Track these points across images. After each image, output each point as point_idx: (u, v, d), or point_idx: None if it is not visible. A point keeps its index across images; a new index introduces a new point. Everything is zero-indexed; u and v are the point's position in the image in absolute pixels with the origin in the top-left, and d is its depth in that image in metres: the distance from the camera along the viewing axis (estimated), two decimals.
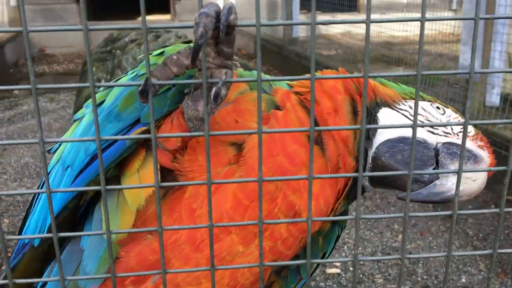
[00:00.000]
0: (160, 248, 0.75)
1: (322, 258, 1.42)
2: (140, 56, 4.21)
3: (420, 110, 1.24)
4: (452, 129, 1.23)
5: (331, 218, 0.87)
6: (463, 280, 4.16)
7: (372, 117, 1.22)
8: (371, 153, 1.19)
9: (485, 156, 1.21)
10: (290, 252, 1.24)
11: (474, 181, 1.14)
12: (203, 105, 0.94)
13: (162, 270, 0.79)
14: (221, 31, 0.76)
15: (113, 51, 6.43)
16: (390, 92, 1.27)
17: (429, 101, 1.31)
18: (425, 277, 4.18)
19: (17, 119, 7.62)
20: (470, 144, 1.20)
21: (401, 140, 1.17)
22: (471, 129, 1.24)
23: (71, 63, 11.05)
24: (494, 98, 5.16)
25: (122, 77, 1.31)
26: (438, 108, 1.28)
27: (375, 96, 1.25)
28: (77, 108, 6.81)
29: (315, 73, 0.78)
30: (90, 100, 1.04)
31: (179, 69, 0.87)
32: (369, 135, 1.20)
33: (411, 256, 0.84)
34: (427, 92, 6.91)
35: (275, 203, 1.15)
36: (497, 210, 0.84)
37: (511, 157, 0.79)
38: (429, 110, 1.27)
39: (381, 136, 1.19)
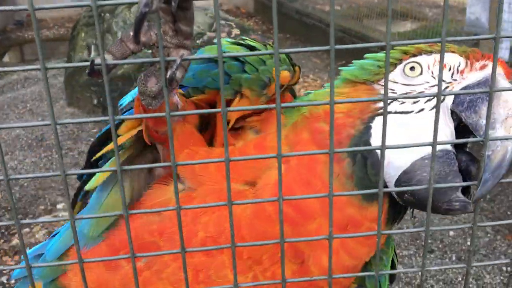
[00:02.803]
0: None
1: None
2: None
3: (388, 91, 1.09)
4: (453, 73, 1.09)
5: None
6: (469, 243, 4.20)
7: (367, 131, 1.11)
8: (391, 182, 1.08)
9: (498, 72, 1.06)
10: None
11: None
12: (153, 83, 0.92)
13: (181, 250, 0.80)
14: (173, 1, 0.73)
15: (102, 14, 6.33)
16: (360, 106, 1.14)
17: (400, 59, 1.13)
18: (429, 241, 4.21)
19: (7, 89, 7.58)
20: (472, 77, 1.07)
21: (416, 166, 1.04)
22: (459, 60, 1.10)
23: (62, 28, 10.91)
24: (503, 53, 5.07)
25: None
26: (412, 69, 1.12)
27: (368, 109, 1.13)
28: (68, 76, 6.77)
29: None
30: None
31: (136, 46, 0.85)
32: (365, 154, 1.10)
33: (436, 228, 0.83)
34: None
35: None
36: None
37: None
38: (398, 79, 1.12)
39: (386, 154, 1.03)
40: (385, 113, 0.80)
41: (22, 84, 7.71)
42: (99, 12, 6.14)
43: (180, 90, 1.14)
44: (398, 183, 1.06)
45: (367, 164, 1.09)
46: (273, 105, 0.70)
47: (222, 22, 5.81)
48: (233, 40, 1.18)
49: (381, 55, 1.18)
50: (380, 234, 0.86)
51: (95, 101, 6.46)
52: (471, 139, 0.81)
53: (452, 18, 9.13)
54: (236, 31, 5.74)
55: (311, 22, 9.61)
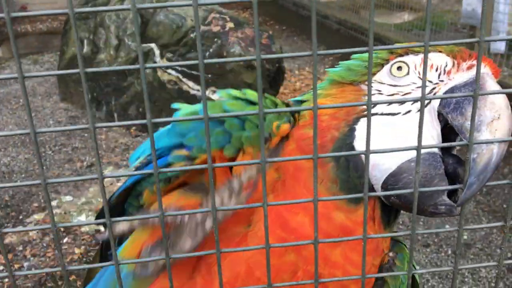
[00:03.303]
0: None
1: None
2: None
3: (374, 88, 1.11)
4: (439, 74, 1.08)
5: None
6: (465, 236, 4.21)
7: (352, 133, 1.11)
8: (377, 183, 1.07)
9: (485, 72, 1.04)
10: None
11: (499, 117, 0.96)
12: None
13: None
14: None
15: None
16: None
17: (387, 59, 1.12)
18: (425, 235, 4.22)
19: (0, 84, 7.56)
20: (459, 78, 1.06)
21: (403, 168, 1.04)
22: (446, 61, 1.08)
23: (55, 21, 10.84)
24: (499, 45, 5.07)
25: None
26: (399, 69, 1.10)
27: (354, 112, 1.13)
28: (60, 70, 6.74)
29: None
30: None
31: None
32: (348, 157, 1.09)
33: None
34: (431, 38, 6.74)
35: (296, 276, 1.13)
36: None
37: None
38: (385, 79, 1.11)
39: (372, 157, 1.03)
40: (368, 117, 0.80)
41: (15, 80, 7.67)
42: (91, 6, 6.11)
43: (184, 151, 1.12)
44: (384, 185, 1.05)
45: (349, 167, 1.09)
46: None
47: (216, 15, 5.78)
48: (233, 94, 1.15)
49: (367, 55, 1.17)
50: (366, 238, 0.86)
51: (89, 96, 6.43)
52: (455, 143, 0.80)
53: (449, 9, 9.11)
54: (230, 25, 5.72)
55: (307, 14, 9.58)
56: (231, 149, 1.10)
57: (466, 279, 3.77)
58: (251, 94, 1.13)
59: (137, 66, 0.74)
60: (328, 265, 1.13)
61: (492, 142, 0.94)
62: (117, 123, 0.74)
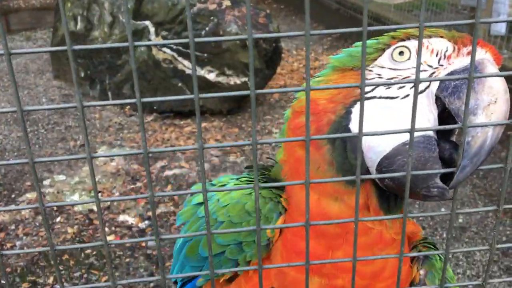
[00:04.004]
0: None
1: None
2: None
3: (375, 72, 1.11)
4: (440, 58, 1.08)
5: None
6: (460, 220, 4.25)
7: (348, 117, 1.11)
8: (372, 166, 1.08)
9: (486, 58, 1.03)
10: None
11: (495, 101, 0.96)
12: None
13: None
14: None
15: None
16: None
17: (388, 44, 1.12)
18: (421, 218, 4.25)
19: None
20: (458, 62, 1.05)
21: (397, 151, 1.04)
22: (447, 46, 1.08)
23: None
24: (499, 27, 5.04)
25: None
26: (401, 53, 1.10)
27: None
28: (54, 46, 6.68)
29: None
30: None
31: None
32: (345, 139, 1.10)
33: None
34: (431, 20, 6.74)
35: None
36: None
37: None
38: (386, 64, 1.11)
39: (368, 139, 1.06)
40: (362, 99, 0.79)
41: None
42: None
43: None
44: (379, 167, 1.05)
45: (346, 149, 1.09)
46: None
47: None
48: (215, 198, 1.29)
49: (369, 42, 1.16)
50: (357, 221, 0.87)
51: (82, 74, 6.40)
52: (449, 126, 0.80)
53: None
54: (227, 3, 5.67)
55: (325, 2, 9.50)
56: (243, 265, 1.23)
57: (460, 262, 3.81)
58: (233, 184, 1.31)
59: (126, 43, 0.73)
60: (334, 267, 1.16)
61: (486, 126, 0.94)
62: (105, 102, 0.74)
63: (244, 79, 5.77)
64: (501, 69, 1.07)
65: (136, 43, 0.73)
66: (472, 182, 4.72)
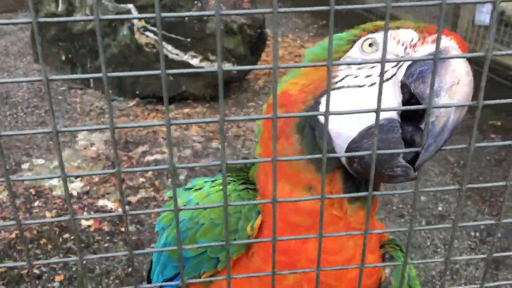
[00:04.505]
0: None
1: None
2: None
3: (343, 67, 1.15)
4: (406, 48, 1.11)
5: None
6: (440, 208, 4.31)
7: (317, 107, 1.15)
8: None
9: (450, 45, 1.07)
10: None
11: (458, 83, 0.99)
12: None
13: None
14: None
15: None
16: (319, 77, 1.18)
17: (358, 36, 1.17)
18: (400, 205, 4.31)
19: None
20: (423, 50, 1.09)
21: (364, 135, 1.08)
22: (412, 36, 1.11)
23: None
24: (483, 17, 5.09)
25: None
26: (371, 45, 1.14)
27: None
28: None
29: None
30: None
31: None
32: (313, 126, 1.14)
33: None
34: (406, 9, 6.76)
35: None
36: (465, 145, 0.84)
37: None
38: (356, 55, 1.15)
39: (336, 126, 1.10)
40: (329, 77, 0.81)
41: None
42: None
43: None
44: (347, 152, 1.09)
45: (315, 136, 1.14)
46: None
47: None
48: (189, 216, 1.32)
49: (343, 34, 1.21)
50: (324, 198, 0.89)
51: (63, 57, 6.34)
52: (414, 106, 0.82)
53: None
54: None
55: None
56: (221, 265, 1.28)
57: (438, 250, 3.87)
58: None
59: (91, 17, 0.73)
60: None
61: (450, 107, 0.97)
62: (70, 76, 0.74)
63: (228, 64, 5.76)
64: (496, 69, 1.10)
65: (102, 17, 0.73)
66: (453, 171, 4.79)
